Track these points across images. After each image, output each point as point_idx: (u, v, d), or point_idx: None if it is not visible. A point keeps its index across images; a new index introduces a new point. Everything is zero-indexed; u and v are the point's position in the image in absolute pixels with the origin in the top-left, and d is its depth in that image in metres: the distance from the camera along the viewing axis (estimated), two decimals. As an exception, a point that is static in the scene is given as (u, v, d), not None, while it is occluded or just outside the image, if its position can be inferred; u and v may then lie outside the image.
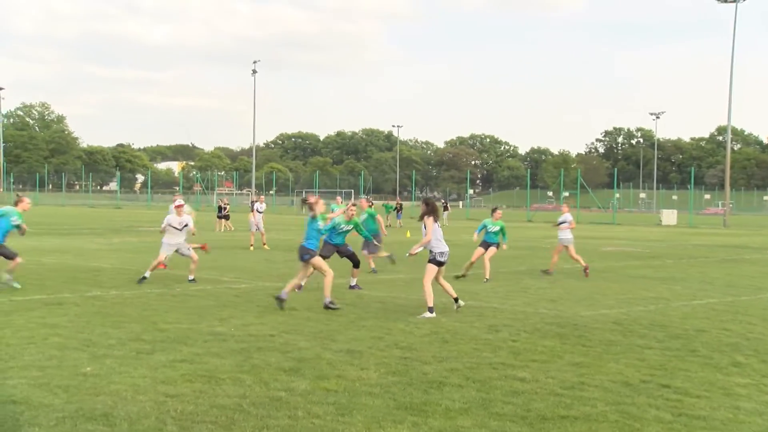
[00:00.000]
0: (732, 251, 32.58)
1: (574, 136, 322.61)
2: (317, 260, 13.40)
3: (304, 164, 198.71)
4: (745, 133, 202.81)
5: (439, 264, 12.91)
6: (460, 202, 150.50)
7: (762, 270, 23.53)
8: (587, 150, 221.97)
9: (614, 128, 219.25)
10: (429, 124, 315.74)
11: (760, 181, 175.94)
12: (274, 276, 18.82)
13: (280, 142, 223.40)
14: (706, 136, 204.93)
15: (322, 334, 10.93)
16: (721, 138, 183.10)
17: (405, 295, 15.65)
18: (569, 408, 7.37)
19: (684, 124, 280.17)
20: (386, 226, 52.99)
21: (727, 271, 22.89)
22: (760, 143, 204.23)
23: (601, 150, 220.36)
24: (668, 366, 9.33)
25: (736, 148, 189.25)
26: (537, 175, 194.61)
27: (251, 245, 28.32)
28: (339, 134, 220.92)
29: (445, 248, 13.01)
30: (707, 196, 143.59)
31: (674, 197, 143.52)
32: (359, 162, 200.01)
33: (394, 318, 12.59)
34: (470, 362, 9.28)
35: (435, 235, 12.87)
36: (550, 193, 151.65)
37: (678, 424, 6.96)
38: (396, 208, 55.39)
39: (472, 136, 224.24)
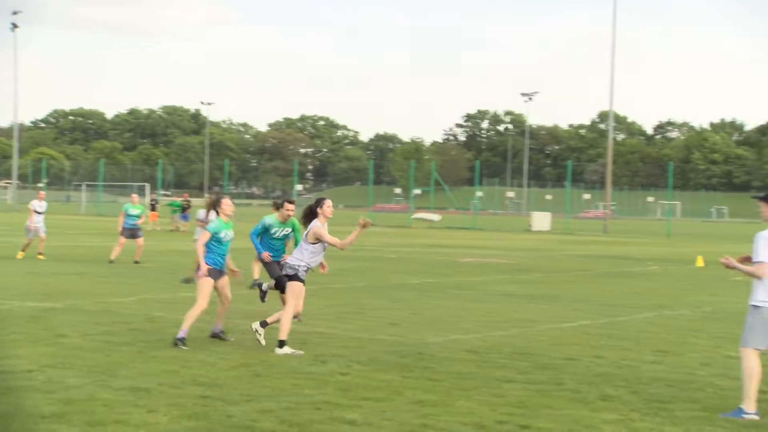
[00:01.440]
0: (611, 263, 34.14)
1: (429, 121, 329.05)
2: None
3: (85, 150, 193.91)
4: (629, 120, 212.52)
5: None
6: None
7: (643, 285, 24.78)
8: (445, 138, 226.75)
9: (478, 111, 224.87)
10: (248, 102, 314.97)
11: (644, 179, 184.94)
12: (38, 294, 18.29)
13: (54, 120, 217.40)
14: (587, 123, 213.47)
15: (99, 369, 10.73)
16: (603, 126, 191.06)
17: (208, 317, 15.52)
18: (407, 456, 7.52)
19: (561, 108, 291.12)
20: (171, 230, 52.09)
21: (605, 287, 23.98)
22: (644, 134, 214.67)
23: (462, 138, 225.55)
24: (530, 403, 9.68)
25: (619, 139, 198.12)
26: (383, 167, 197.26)
27: (22, 251, 27.27)
28: (132, 112, 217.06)
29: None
30: (587, 196, 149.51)
31: (548, 197, 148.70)
32: (157, 148, 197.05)
33: (193, 346, 12.48)
34: (288, 402, 9.33)
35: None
36: (399, 190, 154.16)
37: (536, 472, 7.26)
38: (183, 206, 53.76)
39: (303, 118, 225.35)
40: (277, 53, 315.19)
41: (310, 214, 12.86)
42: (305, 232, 12.81)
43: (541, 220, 74.41)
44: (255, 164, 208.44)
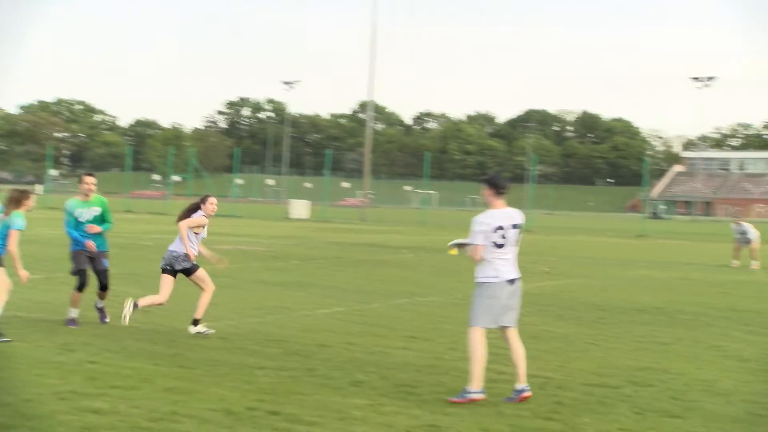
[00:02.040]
0: (367, 251, 34.75)
1: (189, 107, 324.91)
2: None
3: None
4: (388, 110, 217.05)
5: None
6: (39, 186, 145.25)
7: (398, 273, 25.36)
8: (206, 125, 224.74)
9: (239, 98, 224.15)
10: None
11: (402, 169, 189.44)
12: None
13: None
14: (347, 112, 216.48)
15: None
16: (363, 115, 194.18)
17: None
18: (153, 445, 7.43)
19: (322, 97, 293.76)
20: None
21: (360, 274, 24.39)
22: (403, 124, 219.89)
23: (223, 125, 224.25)
24: (280, 389, 9.73)
25: (378, 129, 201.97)
26: (141, 153, 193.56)
27: None
28: None
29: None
30: (346, 185, 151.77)
31: (308, 185, 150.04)
32: None
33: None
34: (29, 393, 9.01)
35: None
36: (157, 177, 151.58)
37: (283, 457, 7.31)
38: None
39: (59, 102, 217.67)
40: (29, 32, 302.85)
41: (193, 209, 13.57)
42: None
43: (300, 208, 74.94)
44: (5, 148, 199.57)
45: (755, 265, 31.96)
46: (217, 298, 17.56)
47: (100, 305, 14.12)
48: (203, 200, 13.68)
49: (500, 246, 9.59)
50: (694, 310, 18.63)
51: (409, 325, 15.16)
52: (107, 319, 13.93)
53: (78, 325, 13.42)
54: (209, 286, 13.60)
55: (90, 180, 13.84)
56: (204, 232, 13.68)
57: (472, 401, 9.33)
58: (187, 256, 13.38)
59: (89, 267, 13.77)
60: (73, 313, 13.61)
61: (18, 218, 12.18)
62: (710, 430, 8.68)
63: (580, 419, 8.89)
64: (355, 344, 12.91)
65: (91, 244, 13.74)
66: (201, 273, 13.58)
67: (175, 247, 13.45)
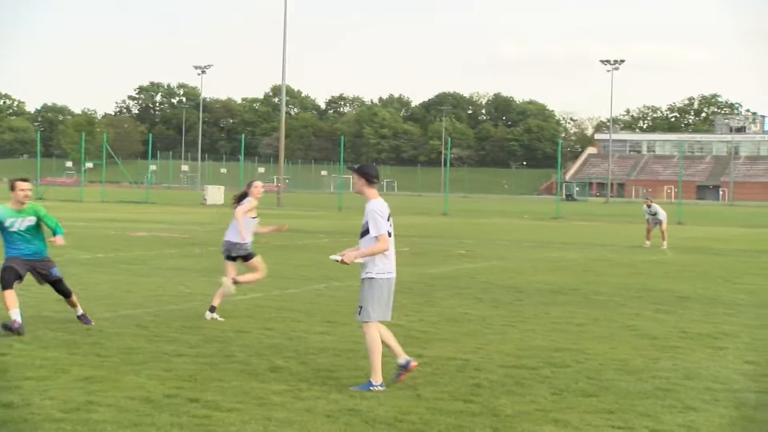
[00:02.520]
0: (284, 236, 34.54)
1: (101, 92, 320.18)
2: None
3: None
4: (303, 95, 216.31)
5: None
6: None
7: (313, 257, 25.33)
8: (117, 110, 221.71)
9: (151, 83, 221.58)
10: None
11: (317, 153, 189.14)
12: None
13: None
14: (261, 96, 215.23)
15: None
16: (277, 100, 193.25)
17: None
18: (69, 435, 7.34)
19: (235, 81, 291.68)
20: None
21: (277, 259, 24.26)
22: (317, 108, 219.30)
23: (135, 111, 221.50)
24: (199, 376, 9.69)
25: (293, 113, 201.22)
26: (52, 140, 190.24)
27: None
28: None
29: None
30: (261, 170, 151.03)
31: (223, 170, 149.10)
32: None
33: None
34: (-61, 387, 8.84)
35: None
36: (70, 164, 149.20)
37: (203, 444, 7.30)
38: None
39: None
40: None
41: (242, 196, 14.27)
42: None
43: (215, 194, 74.61)
44: None
45: (665, 245, 32.61)
46: (133, 286, 17.47)
47: (79, 313, 12.88)
48: (249, 186, 14.38)
49: (390, 235, 9.50)
50: (609, 290, 18.95)
51: (326, 309, 15.19)
52: (92, 323, 12.78)
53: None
54: (261, 273, 14.41)
55: (25, 186, 12.17)
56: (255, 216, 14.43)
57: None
58: (242, 245, 14.06)
59: (24, 273, 12.28)
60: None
61: None
62: (622, 407, 8.86)
63: (498, 401, 8.99)
64: (273, 330, 12.89)
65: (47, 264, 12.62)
66: (256, 260, 14.33)
67: (231, 236, 14.13)
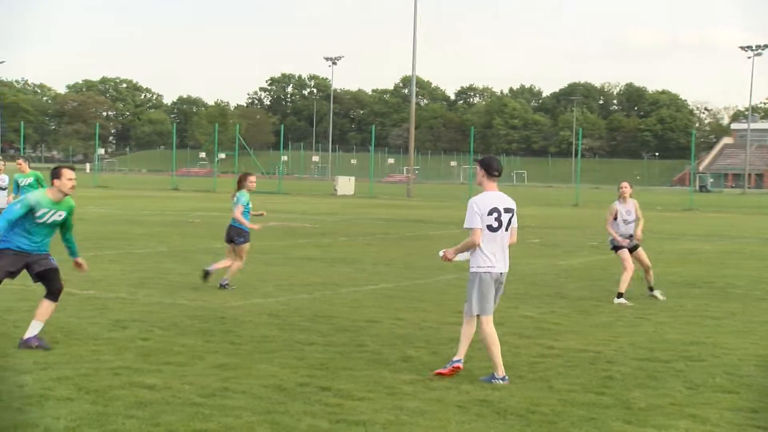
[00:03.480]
0: (414, 226, 34.77)
1: (233, 84, 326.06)
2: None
3: None
4: (432, 85, 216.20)
5: None
6: (87, 165, 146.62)
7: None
8: (249, 101, 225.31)
9: (282, 75, 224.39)
10: (44, 62, 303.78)
11: (447, 144, 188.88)
12: None
13: None
14: (390, 88, 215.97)
15: None
16: (406, 91, 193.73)
17: None
18: (207, 420, 7.51)
19: (365, 73, 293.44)
20: None
21: (407, 250, 24.40)
22: (447, 99, 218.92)
23: (267, 102, 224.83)
24: (331, 365, 9.79)
25: (422, 104, 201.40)
26: (187, 131, 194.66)
27: None
28: None
29: None
30: (391, 161, 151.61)
31: (353, 161, 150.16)
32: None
33: (-15, 315, 12.08)
34: (86, 368, 9.15)
35: None
36: (203, 154, 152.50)
37: (335, 432, 7.37)
38: None
39: (104, 81, 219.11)
40: (76, 13, 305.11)
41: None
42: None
43: (346, 185, 75.03)
44: (54, 127, 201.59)
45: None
46: (265, 275, 17.75)
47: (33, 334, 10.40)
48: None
49: (495, 230, 9.45)
50: (746, 284, 18.47)
51: (457, 300, 15.09)
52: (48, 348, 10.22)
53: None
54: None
55: (73, 176, 10.52)
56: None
57: None
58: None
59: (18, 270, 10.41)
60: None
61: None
62: (767, 406, 8.60)
63: (631, 393, 8.85)
64: (404, 320, 12.93)
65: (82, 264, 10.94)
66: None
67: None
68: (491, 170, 9.61)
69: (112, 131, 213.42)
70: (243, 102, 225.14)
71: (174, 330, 11.51)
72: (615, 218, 16.16)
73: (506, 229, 9.52)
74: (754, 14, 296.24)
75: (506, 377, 9.27)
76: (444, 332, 12.00)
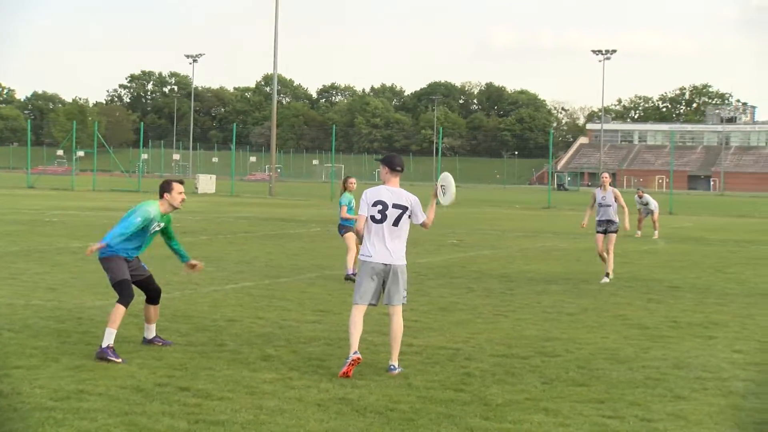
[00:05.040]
0: (276, 225, 34.65)
1: (92, 81, 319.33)
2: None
3: None
4: (294, 84, 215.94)
5: None
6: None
7: (306, 246, 25.34)
8: (109, 99, 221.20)
9: (143, 72, 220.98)
10: None
11: (310, 143, 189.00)
12: None
13: None
14: (252, 86, 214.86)
15: None
16: (268, 89, 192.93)
17: None
18: (60, 425, 7.34)
19: (227, 70, 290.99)
20: None
21: (268, 248, 24.29)
22: (309, 97, 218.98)
23: (127, 99, 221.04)
24: (190, 365, 9.69)
25: (285, 102, 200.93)
26: (43, 128, 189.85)
27: None
28: None
29: None
30: (253, 159, 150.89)
31: (215, 159, 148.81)
32: None
33: None
34: (-68, 374, 8.82)
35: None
36: (61, 152, 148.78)
37: (194, 432, 7.30)
38: None
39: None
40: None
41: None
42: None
43: (207, 183, 74.44)
44: None
45: (656, 235, 32.67)
46: (123, 274, 17.39)
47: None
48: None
49: (377, 221, 9.71)
50: (599, 280, 18.97)
51: (318, 298, 15.18)
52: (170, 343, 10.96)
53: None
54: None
55: (183, 189, 10.90)
56: None
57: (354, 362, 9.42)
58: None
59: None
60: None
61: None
62: (612, 396, 8.88)
63: (489, 390, 9.01)
64: (264, 319, 12.90)
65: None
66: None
67: None
68: (393, 165, 9.97)
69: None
70: (102, 99, 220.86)
71: (26, 332, 11.22)
72: (593, 203, 19.80)
73: (394, 224, 9.75)
74: (605, 20, 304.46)
75: (350, 357, 9.42)
76: (304, 331, 12.02)
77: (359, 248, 10.76)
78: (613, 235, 19.40)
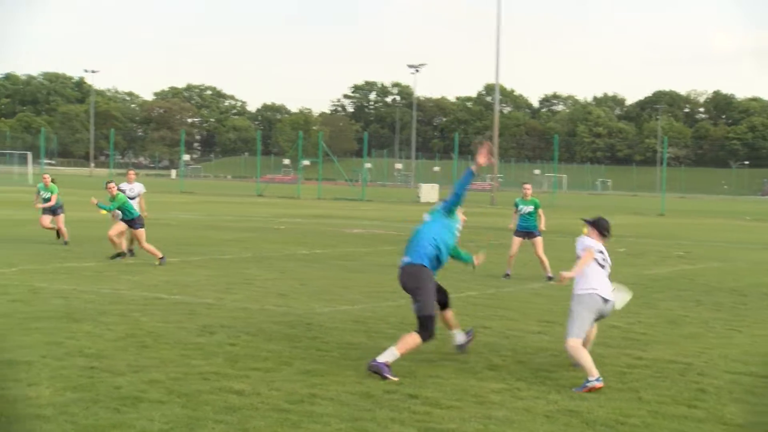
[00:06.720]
0: (497, 234, 34.56)
1: (316, 91, 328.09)
2: None
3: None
4: (515, 93, 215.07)
5: None
6: (173, 171, 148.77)
7: (529, 256, 25.08)
8: (333, 109, 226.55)
9: (366, 82, 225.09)
10: (132, 70, 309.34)
11: (530, 152, 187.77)
12: None
13: None
14: (473, 95, 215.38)
15: (-23, 342, 10.48)
16: (489, 98, 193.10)
17: (94, 287, 15.32)
18: (295, 427, 7.56)
19: (448, 80, 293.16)
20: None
21: (492, 258, 24.04)
22: (530, 107, 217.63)
23: (350, 109, 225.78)
24: (418, 372, 9.78)
25: (505, 112, 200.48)
26: (270, 138, 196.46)
27: None
28: (9, 78, 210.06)
29: None
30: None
31: (436, 168, 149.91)
32: (39, 116, 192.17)
33: (78, 317, 12.30)
34: (175, 372, 9.27)
35: None
36: (287, 161, 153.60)
37: (424, 440, 7.37)
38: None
39: (189, 88, 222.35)
40: (162, 22, 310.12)
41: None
42: None
43: (429, 191, 75.01)
44: (141, 134, 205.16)
45: None
46: (350, 282, 17.81)
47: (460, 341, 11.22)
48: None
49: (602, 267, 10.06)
50: None
51: (543, 309, 15.06)
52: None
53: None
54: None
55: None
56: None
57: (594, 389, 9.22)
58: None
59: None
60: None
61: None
62: None
63: (726, 408, 8.68)
64: (489, 328, 12.89)
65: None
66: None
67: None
68: (604, 231, 10.37)
69: (197, 137, 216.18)
70: (326, 109, 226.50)
71: (261, 336, 11.60)
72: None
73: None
74: None
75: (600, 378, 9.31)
76: (530, 341, 11.97)
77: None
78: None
